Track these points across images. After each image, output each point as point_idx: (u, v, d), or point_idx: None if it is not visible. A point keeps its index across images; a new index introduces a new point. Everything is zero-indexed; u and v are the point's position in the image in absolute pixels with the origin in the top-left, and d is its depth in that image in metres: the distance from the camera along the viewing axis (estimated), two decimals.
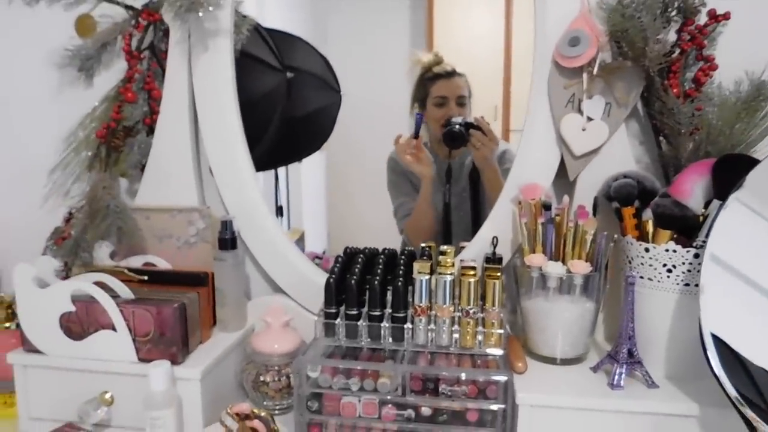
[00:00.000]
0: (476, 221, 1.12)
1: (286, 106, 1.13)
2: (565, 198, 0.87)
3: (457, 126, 1.07)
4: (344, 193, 1.26)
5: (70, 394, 0.84)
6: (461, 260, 0.90)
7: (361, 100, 1.16)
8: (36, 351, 0.85)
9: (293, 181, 1.24)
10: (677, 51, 0.83)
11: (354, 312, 0.82)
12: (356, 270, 0.84)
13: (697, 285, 0.75)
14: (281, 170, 1.22)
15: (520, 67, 1.16)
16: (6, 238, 1.13)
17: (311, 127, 1.19)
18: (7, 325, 0.94)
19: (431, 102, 1.12)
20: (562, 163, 0.91)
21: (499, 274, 0.85)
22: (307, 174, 1.26)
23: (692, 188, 0.74)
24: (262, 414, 0.76)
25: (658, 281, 0.78)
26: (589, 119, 0.88)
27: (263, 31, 1.08)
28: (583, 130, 0.88)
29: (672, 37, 0.84)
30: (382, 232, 1.19)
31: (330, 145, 1.20)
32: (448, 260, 0.87)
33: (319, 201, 1.27)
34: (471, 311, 0.84)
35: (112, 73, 0.98)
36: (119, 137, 0.97)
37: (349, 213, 1.25)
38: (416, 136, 1.09)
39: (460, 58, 1.14)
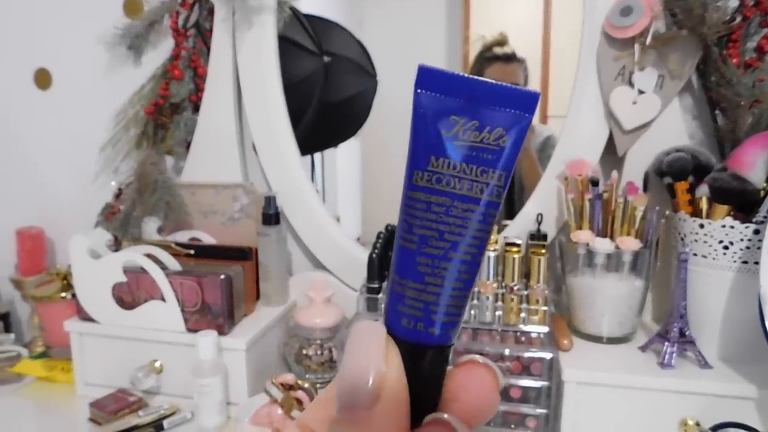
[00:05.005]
0: (510, 211, 1.09)
1: (323, 91, 1.13)
2: (614, 174, 0.84)
3: None
4: (379, 180, 1.26)
5: (122, 361, 0.87)
6: (504, 237, 0.89)
7: (397, 86, 1.15)
8: (90, 319, 0.88)
9: (329, 166, 1.24)
10: (738, 18, 0.79)
11: None
12: None
13: (756, 263, 0.72)
14: (317, 156, 1.23)
15: (559, 54, 1.13)
16: (59, 214, 1.18)
17: (347, 112, 1.18)
18: (63, 295, 0.98)
19: None
20: (610, 139, 0.88)
21: (543, 250, 0.84)
22: (343, 160, 1.26)
23: (754, 161, 0.70)
24: (306, 385, 0.77)
25: (714, 258, 0.75)
26: (641, 92, 0.85)
27: (301, 15, 1.08)
28: (634, 103, 0.85)
29: (733, 2, 0.79)
30: None
31: (365, 132, 1.19)
32: (492, 237, 0.86)
33: (354, 187, 1.27)
34: (515, 288, 0.83)
35: (159, 53, 0.99)
36: (166, 114, 0.99)
37: (384, 199, 1.25)
38: None
39: None
